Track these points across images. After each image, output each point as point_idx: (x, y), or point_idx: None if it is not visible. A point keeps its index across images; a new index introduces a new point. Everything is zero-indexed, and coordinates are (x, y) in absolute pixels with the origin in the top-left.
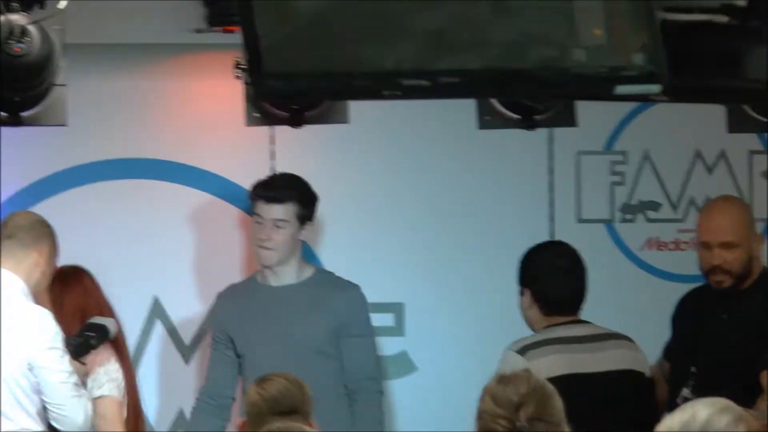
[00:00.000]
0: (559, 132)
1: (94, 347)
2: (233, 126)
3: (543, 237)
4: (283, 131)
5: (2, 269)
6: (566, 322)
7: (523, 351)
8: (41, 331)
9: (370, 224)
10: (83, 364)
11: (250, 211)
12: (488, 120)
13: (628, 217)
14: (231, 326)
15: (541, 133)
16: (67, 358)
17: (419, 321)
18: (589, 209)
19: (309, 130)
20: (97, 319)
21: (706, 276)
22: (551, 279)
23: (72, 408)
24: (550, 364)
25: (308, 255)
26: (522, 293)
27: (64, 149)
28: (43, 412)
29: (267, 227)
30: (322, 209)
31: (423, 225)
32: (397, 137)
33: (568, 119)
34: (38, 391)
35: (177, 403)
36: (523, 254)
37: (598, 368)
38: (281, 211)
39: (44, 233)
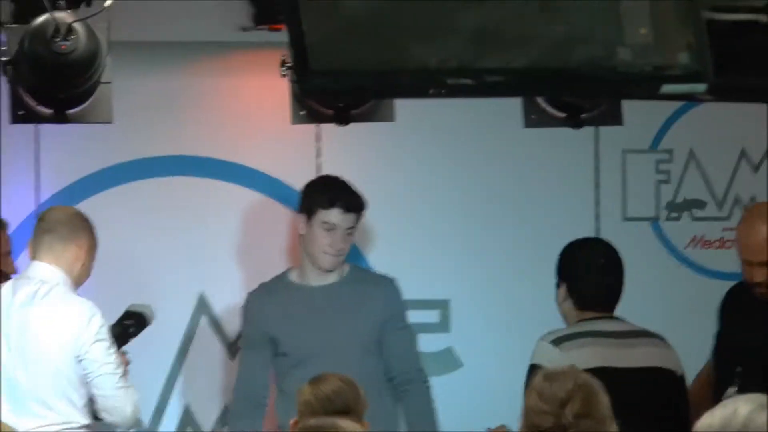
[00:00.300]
0: (605, 131)
1: (133, 335)
2: (279, 124)
3: (589, 234)
4: (328, 129)
5: (44, 263)
6: (599, 317)
7: (557, 342)
8: (89, 324)
9: (415, 222)
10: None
11: (305, 214)
12: (534, 118)
13: (674, 215)
14: (273, 326)
15: (587, 131)
16: (113, 350)
17: (464, 317)
18: (635, 207)
19: (355, 128)
20: (135, 306)
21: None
22: (588, 276)
23: (121, 399)
24: (583, 356)
25: (354, 254)
26: (558, 286)
27: (109, 147)
28: (90, 405)
29: (339, 235)
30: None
31: (468, 222)
32: (443, 135)
33: (614, 118)
34: (86, 384)
35: (222, 400)
36: (563, 248)
37: (630, 364)
38: (355, 220)
39: (82, 227)
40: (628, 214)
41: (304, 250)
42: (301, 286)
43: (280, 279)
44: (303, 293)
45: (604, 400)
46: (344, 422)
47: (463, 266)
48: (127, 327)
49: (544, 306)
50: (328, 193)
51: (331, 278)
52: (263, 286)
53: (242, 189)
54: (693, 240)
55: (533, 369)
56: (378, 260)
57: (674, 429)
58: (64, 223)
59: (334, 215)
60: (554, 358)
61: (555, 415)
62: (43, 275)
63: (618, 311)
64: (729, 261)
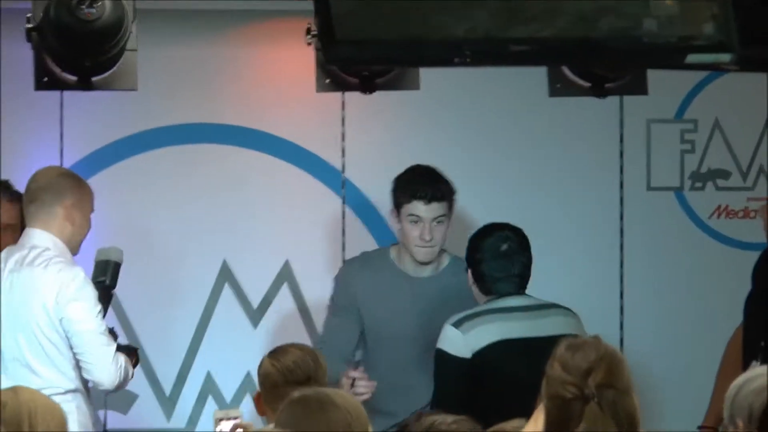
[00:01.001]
0: (630, 100)
1: (112, 287)
2: (304, 92)
3: (613, 204)
4: (353, 97)
5: (35, 229)
6: (504, 296)
7: (458, 324)
8: (68, 285)
9: None
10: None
11: (395, 209)
12: (559, 88)
13: (698, 185)
14: (363, 303)
15: (612, 101)
16: (97, 310)
17: None
18: (659, 177)
19: (379, 96)
20: (101, 254)
21: None
22: (490, 262)
23: (101, 358)
24: (482, 333)
25: (377, 221)
26: (466, 270)
27: (134, 114)
28: (80, 370)
29: (427, 226)
30: (390, 174)
31: (491, 191)
32: (468, 104)
33: (639, 87)
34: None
35: (245, 367)
36: (471, 236)
37: (536, 334)
38: (442, 208)
39: (66, 186)
40: (652, 184)
41: (401, 243)
42: (398, 271)
43: (384, 255)
44: (396, 278)
45: (627, 371)
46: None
47: None
48: (102, 283)
49: (566, 275)
50: (409, 186)
51: (427, 271)
52: (365, 257)
53: (267, 157)
54: (717, 210)
55: (438, 353)
56: None
57: None
58: (45, 188)
59: (417, 207)
60: (456, 340)
61: (578, 386)
62: (34, 241)
63: (642, 280)
64: (753, 231)
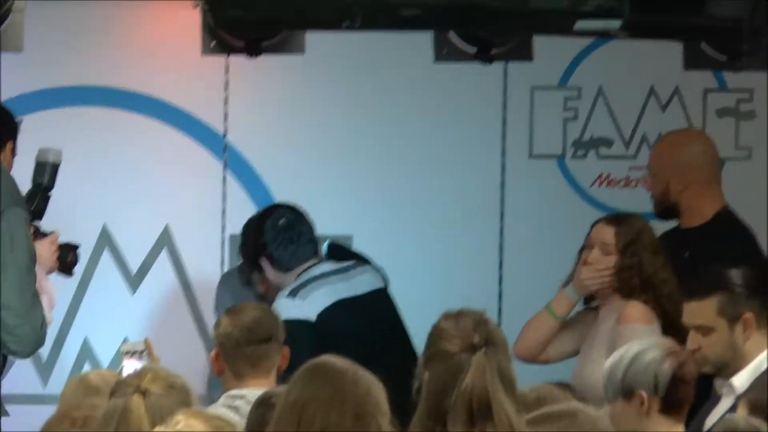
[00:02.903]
0: (514, 66)
1: (49, 189)
2: (187, 55)
3: (494, 171)
4: (237, 61)
5: None
6: (313, 264)
7: (293, 294)
8: None
9: (320, 156)
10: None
11: None
12: (445, 53)
13: (580, 153)
14: None
15: (497, 67)
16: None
17: (368, 253)
18: (542, 145)
19: (264, 61)
20: (40, 155)
21: None
22: (279, 241)
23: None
24: (318, 297)
25: (260, 188)
26: (261, 269)
27: (19, 76)
28: None
29: None
30: (273, 139)
31: (375, 156)
32: (353, 69)
33: (524, 53)
34: None
35: (122, 333)
36: (244, 232)
37: (357, 292)
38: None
39: None
40: (534, 152)
41: None
42: None
43: None
44: None
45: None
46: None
47: (368, 201)
48: (40, 185)
49: (446, 240)
50: None
51: None
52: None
53: (148, 119)
54: (599, 178)
55: (287, 324)
56: (283, 193)
57: (404, 335)
58: None
59: None
60: (299, 307)
61: (464, 339)
62: None
63: (523, 249)
64: (635, 200)
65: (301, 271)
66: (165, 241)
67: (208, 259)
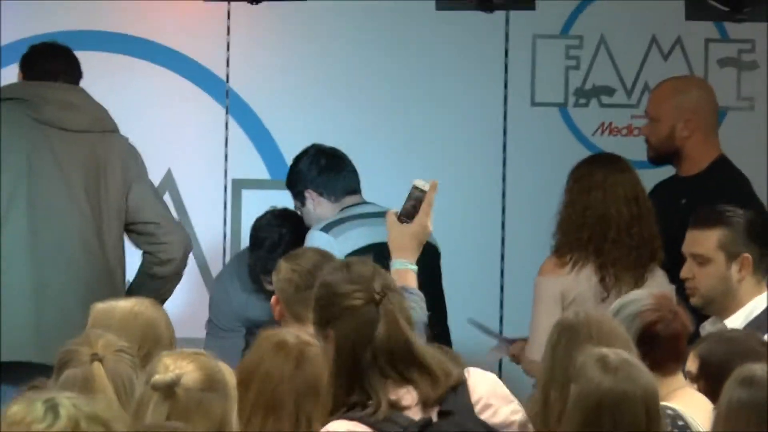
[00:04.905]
0: (516, 15)
1: None
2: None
3: (497, 119)
4: (239, 7)
5: None
6: (356, 203)
7: (326, 229)
8: None
9: (322, 101)
10: None
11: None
12: (446, 1)
13: (582, 101)
14: None
15: (499, 16)
16: None
17: (371, 197)
18: (544, 93)
19: (266, 7)
20: None
21: None
22: (326, 169)
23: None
24: (354, 237)
25: (258, 128)
26: (304, 202)
27: (19, 20)
28: None
29: None
30: (275, 84)
31: (376, 103)
32: (355, 16)
33: (526, 2)
34: None
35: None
36: (290, 167)
37: None
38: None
39: None
40: (536, 100)
41: None
42: None
43: None
44: None
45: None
46: None
47: (370, 147)
48: None
49: (449, 186)
50: None
51: None
52: None
53: (150, 65)
54: (601, 126)
55: None
56: (285, 140)
57: (437, 292)
58: None
59: None
60: (328, 243)
61: (366, 291)
62: None
63: (524, 196)
64: (636, 148)
65: (343, 207)
66: (167, 185)
67: (211, 203)
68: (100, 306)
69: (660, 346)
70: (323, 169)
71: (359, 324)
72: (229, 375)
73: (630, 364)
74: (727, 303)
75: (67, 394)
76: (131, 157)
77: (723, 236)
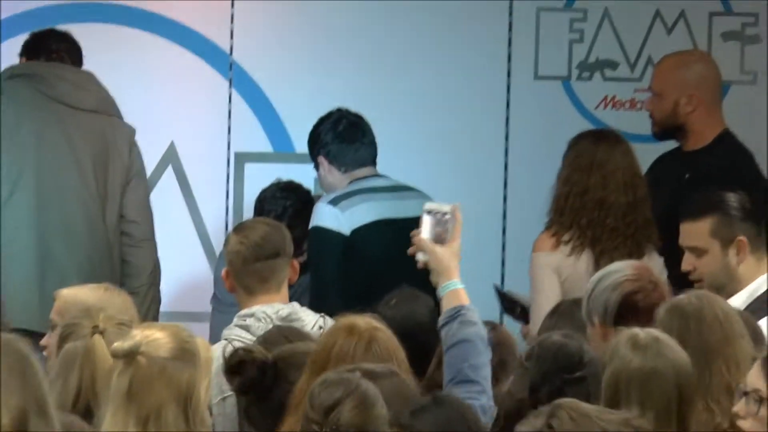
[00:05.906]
0: None
1: None
2: None
3: (500, 92)
4: None
5: None
6: (368, 176)
7: (334, 202)
8: None
9: (326, 73)
10: None
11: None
12: None
13: (586, 75)
14: None
15: None
16: None
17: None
18: (547, 66)
19: None
20: None
21: None
22: (341, 137)
23: None
24: (359, 212)
25: (260, 98)
26: (317, 167)
27: None
28: None
29: None
30: (279, 57)
31: (380, 74)
32: None
33: None
34: None
35: None
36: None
37: (404, 215)
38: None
39: None
40: (539, 73)
41: None
42: None
43: None
44: None
45: (381, 412)
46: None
47: (374, 117)
48: None
49: (452, 160)
50: None
51: None
52: None
53: (153, 36)
54: (604, 100)
55: (316, 230)
56: (289, 113)
57: None
58: None
59: None
60: (336, 217)
61: (320, 424)
62: None
63: (527, 169)
64: (640, 122)
65: (354, 179)
66: (170, 158)
67: (213, 176)
68: (65, 292)
69: (639, 317)
70: (338, 137)
71: None
72: (204, 348)
73: (659, 341)
74: (732, 287)
75: None
76: (136, 151)
77: (714, 224)
